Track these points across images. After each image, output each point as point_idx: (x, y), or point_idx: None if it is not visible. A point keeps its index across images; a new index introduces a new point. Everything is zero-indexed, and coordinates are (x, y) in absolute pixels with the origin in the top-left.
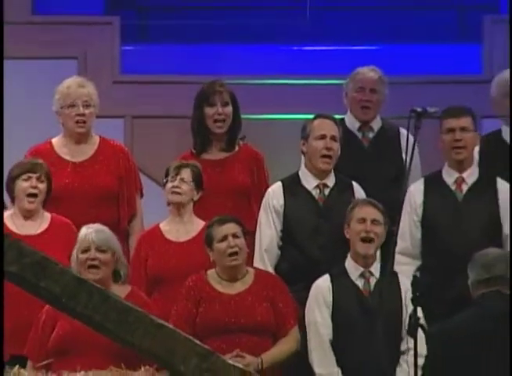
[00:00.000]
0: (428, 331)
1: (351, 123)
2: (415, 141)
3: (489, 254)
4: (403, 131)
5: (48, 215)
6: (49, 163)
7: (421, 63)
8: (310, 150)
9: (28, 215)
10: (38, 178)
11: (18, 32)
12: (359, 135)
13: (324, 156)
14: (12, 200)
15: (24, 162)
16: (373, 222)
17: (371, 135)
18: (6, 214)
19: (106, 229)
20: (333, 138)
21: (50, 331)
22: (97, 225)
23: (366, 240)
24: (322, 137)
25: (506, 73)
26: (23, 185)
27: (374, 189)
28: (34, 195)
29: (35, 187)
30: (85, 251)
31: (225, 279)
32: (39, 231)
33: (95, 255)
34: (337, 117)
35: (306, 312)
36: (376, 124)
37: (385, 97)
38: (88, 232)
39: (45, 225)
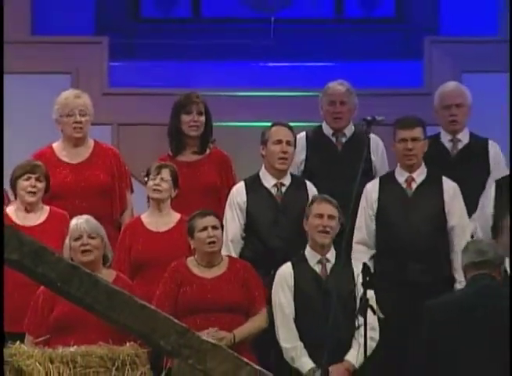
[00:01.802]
0: (427, 304)
1: (327, 129)
2: (368, 145)
3: (482, 241)
4: (373, 136)
5: (46, 208)
6: (51, 164)
7: (370, 78)
8: (268, 153)
9: (29, 208)
10: (37, 179)
11: (19, 50)
12: (334, 139)
13: (281, 158)
14: (16, 196)
15: (25, 164)
16: (329, 217)
17: (344, 140)
18: (11, 208)
19: (92, 218)
20: (288, 143)
21: (48, 311)
22: (85, 216)
23: (324, 232)
24: (279, 142)
25: (444, 87)
26: (23, 184)
27: (346, 186)
28: (33, 192)
29: (34, 186)
30: (78, 238)
31: (203, 265)
32: (39, 222)
33: (88, 241)
34: (298, 124)
35: (272, 294)
36: (349, 131)
37: (355, 105)
38: (79, 222)
39: (43, 217)
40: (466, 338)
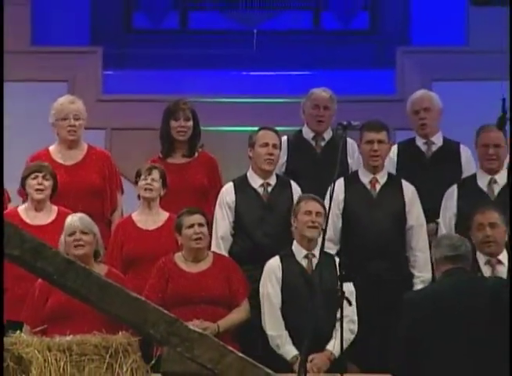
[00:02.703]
0: (405, 298)
1: (307, 133)
2: (345, 147)
3: (454, 236)
4: (349, 140)
5: (55, 208)
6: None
7: (347, 86)
8: (255, 155)
9: (38, 206)
10: (44, 177)
11: (19, 59)
12: (313, 143)
13: (267, 159)
14: (27, 195)
15: (33, 164)
16: (317, 213)
17: (323, 143)
18: (21, 208)
19: (86, 216)
20: (274, 145)
21: (44, 302)
22: (80, 214)
23: (313, 227)
24: (266, 145)
25: (414, 94)
26: (32, 182)
27: (324, 186)
28: (41, 190)
29: (41, 184)
30: (72, 234)
31: (189, 260)
32: (48, 221)
33: (80, 237)
34: (280, 129)
35: (260, 285)
36: (328, 135)
37: (335, 112)
38: (73, 219)
39: (53, 217)
40: (444, 331)
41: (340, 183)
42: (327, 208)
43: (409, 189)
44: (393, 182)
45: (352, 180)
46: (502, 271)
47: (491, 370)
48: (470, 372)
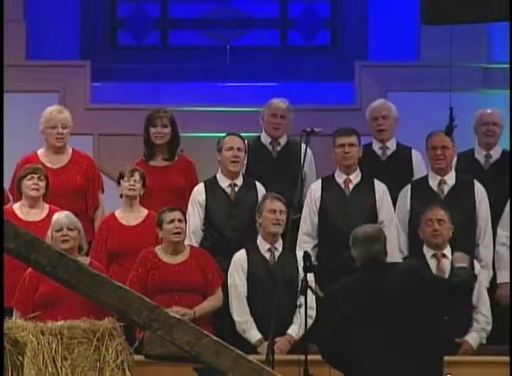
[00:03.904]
0: (329, 289)
1: (265, 139)
2: (305, 153)
3: (369, 231)
4: (304, 146)
5: (47, 206)
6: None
7: (310, 96)
8: (223, 159)
9: (33, 204)
10: (39, 178)
11: (15, 72)
12: (270, 147)
13: (233, 162)
14: (20, 194)
15: (28, 167)
16: (281, 211)
17: (278, 148)
18: (16, 205)
19: (72, 214)
20: (238, 149)
21: (34, 290)
22: (66, 212)
23: (277, 224)
24: (231, 148)
25: (374, 103)
26: (28, 183)
27: (280, 188)
28: (36, 189)
29: (36, 184)
30: (59, 230)
31: (169, 252)
32: (41, 218)
33: (67, 232)
34: (250, 134)
35: (228, 276)
36: (283, 140)
37: (291, 120)
38: (60, 216)
39: (44, 214)
40: (364, 315)
41: (317, 183)
42: (301, 207)
43: (380, 188)
44: (366, 181)
45: (329, 181)
46: (446, 263)
47: (402, 344)
48: (385, 346)
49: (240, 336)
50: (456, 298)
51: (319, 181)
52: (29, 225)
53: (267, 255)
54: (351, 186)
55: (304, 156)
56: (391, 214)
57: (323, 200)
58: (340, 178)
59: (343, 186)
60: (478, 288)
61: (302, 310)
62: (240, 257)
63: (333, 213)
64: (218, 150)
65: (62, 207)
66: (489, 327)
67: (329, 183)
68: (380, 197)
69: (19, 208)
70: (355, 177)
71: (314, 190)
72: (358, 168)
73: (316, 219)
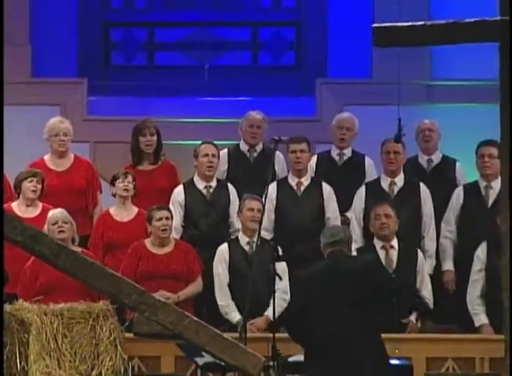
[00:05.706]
0: (293, 275)
1: (243, 146)
2: (274, 158)
3: (334, 227)
4: (278, 152)
5: (40, 205)
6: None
7: (277, 109)
8: (199, 164)
9: (30, 203)
10: (37, 181)
11: (22, 88)
12: (248, 154)
13: (208, 166)
14: (18, 194)
15: (27, 171)
16: (258, 210)
17: (255, 154)
18: (14, 204)
19: (65, 211)
20: (213, 156)
21: (35, 279)
22: (60, 209)
23: (254, 221)
24: (206, 155)
25: (341, 114)
26: (27, 184)
27: (255, 190)
28: (34, 191)
29: (35, 186)
30: (55, 223)
31: (156, 244)
32: (35, 215)
33: (62, 225)
34: (225, 142)
35: (214, 266)
36: (259, 148)
37: (266, 130)
38: (56, 212)
39: (38, 211)
40: (323, 298)
41: (273, 185)
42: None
43: (327, 190)
44: (315, 183)
45: (283, 183)
46: (394, 254)
47: (352, 322)
48: (338, 324)
49: (222, 317)
50: (389, 301)
51: (275, 183)
52: (25, 221)
53: (246, 248)
54: (302, 188)
55: (274, 160)
56: (336, 212)
57: (278, 200)
58: (292, 180)
59: (295, 187)
60: (422, 274)
61: (277, 294)
62: (223, 249)
63: (286, 211)
64: (194, 157)
65: (64, 205)
66: (430, 307)
67: (283, 185)
68: (327, 196)
69: (17, 206)
70: (306, 180)
71: (271, 191)
72: (309, 172)
73: (273, 216)
